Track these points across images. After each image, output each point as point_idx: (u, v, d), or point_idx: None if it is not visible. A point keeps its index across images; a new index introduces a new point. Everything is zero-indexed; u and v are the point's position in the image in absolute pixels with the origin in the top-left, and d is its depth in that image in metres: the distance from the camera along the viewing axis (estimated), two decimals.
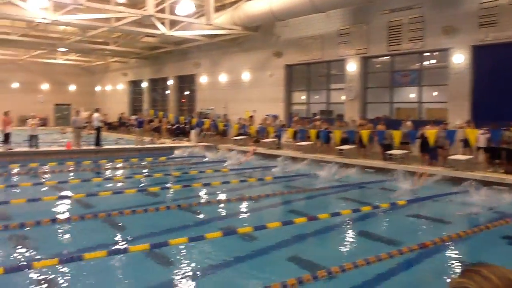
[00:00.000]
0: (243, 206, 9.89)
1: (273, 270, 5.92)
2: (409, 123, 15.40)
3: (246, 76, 24.56)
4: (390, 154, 14.79)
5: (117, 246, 6.71)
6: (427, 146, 14.09)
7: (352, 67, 19.19)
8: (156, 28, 21.38)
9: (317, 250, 7.04)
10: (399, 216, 9.40)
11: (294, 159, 16.40)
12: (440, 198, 10.64)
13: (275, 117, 21.41)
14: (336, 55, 19.73)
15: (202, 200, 10.44)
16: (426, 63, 17.71)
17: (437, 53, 17.10)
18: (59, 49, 31.55)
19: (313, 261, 6.18)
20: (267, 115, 21.85)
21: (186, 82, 30.74)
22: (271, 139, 19.56)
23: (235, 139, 21.16)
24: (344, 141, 16.57)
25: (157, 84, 34.24)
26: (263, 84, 23.43)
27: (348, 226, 8.48)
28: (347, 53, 19.29)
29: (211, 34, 23.39)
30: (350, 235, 8.07)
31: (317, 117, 20.28)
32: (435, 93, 18.00)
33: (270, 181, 13.07)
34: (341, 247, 7.21)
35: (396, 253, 6.25)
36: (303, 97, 22.59)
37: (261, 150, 18.99)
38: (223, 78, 26.25)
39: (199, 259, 6.25)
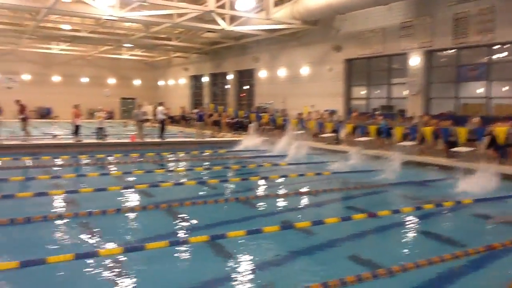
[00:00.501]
0: (301, 200, 9.86)
1: (331, 266, 5.88)
2: (476, 119, 14.69)
3: (305, 70, 24.41)
4: (455, 152, 14.20)
5: (177, 237, 6.91)
6: (496, 144, 13.40)
7: (415, 61, 18.58)
8: (216, 23, 21.71)
9: (376, 247, 6.88)
10: (465, 215, 9.02)
11: (353, 154, 16.11)
12: (510, 200, 10.09)
13: (332, 112, 21.13)
14: (398, 48, 19.16)
15: (260, 194, 10.51)
16: (495, 56, 16.80)
17: (508, 45, 16.17)
18: (124, 45, 32.78)
19: (372, 258, 6.07)
20: (325, 110, 21.64)
21: (245, 76, 31.03)
22: (329, 134, 19.34)
23: (293, 134, 21.10)
24: (405, 137, 16.09)
25: (217, 78, 34.81)
26: (322, 79, 23.21)
27: (410, 224, 8.23)
28: (409, 46, 18.69)
29: (271, 29, 23.44)
30: (411, 234, 7.83)
31: (377, 112, 19.82)
32: (505, 88, 17.05)
33: (328, 176, 12.94)
34: (402, 245, 7.01)
35: (461, 254, 6.01)
36: (363, 92, 22.15)
37: (319, 145, 18.84)
38: (282, 72, 26.24)
39: (257, 252, 6.30)
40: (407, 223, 8.26)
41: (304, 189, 10.73)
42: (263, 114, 24.21)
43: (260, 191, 11.05)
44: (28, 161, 14.69)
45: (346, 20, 21.39)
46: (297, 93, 24.79)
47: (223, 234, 6.69)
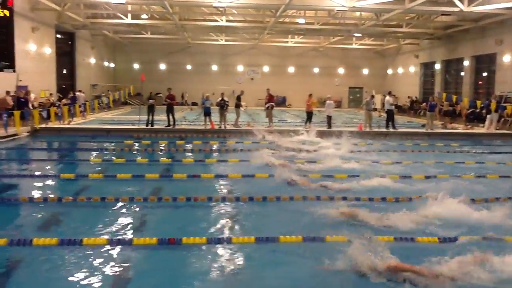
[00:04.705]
0: None
1: None
2: None
3: None
4: None
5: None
6: None
7: None
8: (453, 5, 20.15)
9: None
10: None
11: None
12: None
13: None
14: None
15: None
16: None
17: None
18: (354, 35, 33.17)
19: None
20: None
21: (484, 62, 27.99)
22: None
23: None
24: None
25: (450, 65, 32.30)
26: None
27: None
28: None
29: None
30: None
31: None
32: None
33: None
34: None
35: None
36: None
37: None
38: None
39: None
40: None
41: None
42: (506, 104, 21.50)
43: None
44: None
45: None
46: None
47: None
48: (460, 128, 21.97)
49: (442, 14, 25.08)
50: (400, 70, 40.06)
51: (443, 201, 7.50)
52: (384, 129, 20.01)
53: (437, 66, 33.27)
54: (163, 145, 16.27)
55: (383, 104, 29.40)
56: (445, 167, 12.21)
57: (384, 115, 21.52)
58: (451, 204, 7.45)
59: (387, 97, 21.11)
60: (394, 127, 20.14)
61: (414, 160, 13.18)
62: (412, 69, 37.62)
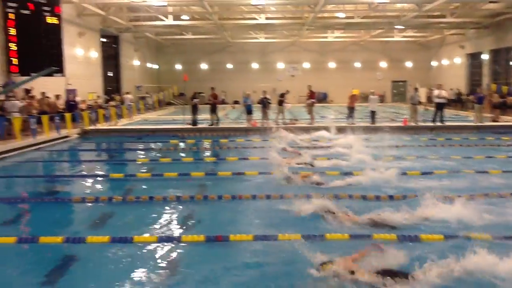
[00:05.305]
0: None
1: None
2: None
3: None
4: None
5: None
6: None
7: None
8: None
9: None
10: None
11: None
12: None
13: None
14: None
15: None
16: None
17: None
18: (396, 27, 32.43)
19: None
20: None
21: None
22: None
23: None
24: None
25: (500, 55, 30.98)
26: None
27: None
28: None
29: None
30: None
31: None
32: None
33: None
34: None
35: None
36: None
37: None
38: None
39: None
40: None
41: None
42: None
43: None
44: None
45: None
46: None
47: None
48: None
49: (490, 2, 24.10)
50: (445, 62, 38.83)
51: None
52: (430, 124, 19.51)
53: (485, 57, 32.00)
54: (207, 143, 16.53)
55: (428, 98, 28.74)
56: (497, 162, 11.78)
57: (430, 108, 20.98)
58: None
59: (436, 91, 20.53)
60: (442, 121, 19.57)
61: (463, 155, 12.77)
62: (457, 60, 36.36)
